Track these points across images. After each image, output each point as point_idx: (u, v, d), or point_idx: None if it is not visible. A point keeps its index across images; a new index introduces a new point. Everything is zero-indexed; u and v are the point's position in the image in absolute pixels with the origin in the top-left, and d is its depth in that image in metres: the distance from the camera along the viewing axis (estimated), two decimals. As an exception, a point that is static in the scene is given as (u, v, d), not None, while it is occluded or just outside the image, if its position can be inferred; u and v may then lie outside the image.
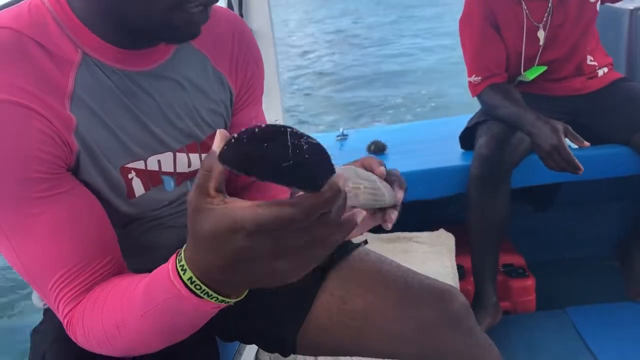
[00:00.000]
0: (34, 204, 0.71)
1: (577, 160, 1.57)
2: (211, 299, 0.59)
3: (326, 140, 2.44)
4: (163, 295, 0.63)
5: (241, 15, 1.78)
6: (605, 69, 2.00)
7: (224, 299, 0.60)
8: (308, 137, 0.52)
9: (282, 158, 0.50)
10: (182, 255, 0.59)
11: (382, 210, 0.76)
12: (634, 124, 1.82)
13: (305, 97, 7.64)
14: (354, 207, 0.71)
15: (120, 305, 0.71)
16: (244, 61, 0.99)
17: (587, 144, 1.59)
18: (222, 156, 0.52)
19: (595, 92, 1.97)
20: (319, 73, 8.81)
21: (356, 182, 0.72)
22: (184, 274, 0.59)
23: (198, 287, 0.58)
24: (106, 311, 0.72)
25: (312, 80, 8.43)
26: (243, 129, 0.51)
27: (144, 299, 0.67)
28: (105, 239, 0.79)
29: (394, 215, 0.74)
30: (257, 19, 1.77)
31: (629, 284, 2.01)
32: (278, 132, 0.51)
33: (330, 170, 0.52)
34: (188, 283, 0.59)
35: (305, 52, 10.42)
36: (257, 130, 0.51)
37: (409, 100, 6.79)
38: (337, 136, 2.45)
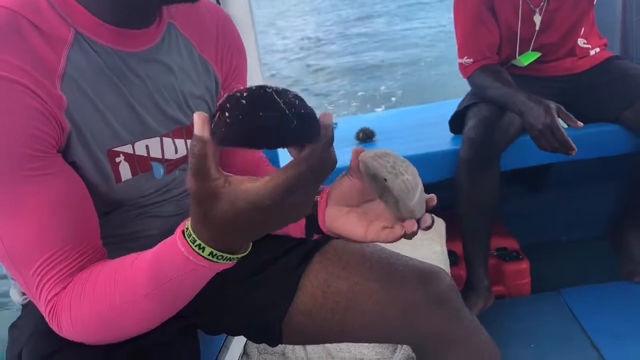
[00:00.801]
0: (24, 183, 0.70)
1: (570, 141, 1.55)
2: (227, 260, 0.66)
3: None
4: (175, 272, 0.68)
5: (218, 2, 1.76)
6: (598, 49, 1.97)
7: (237, 256, 0.67)
8: (287, 90, 0.54)
9: (285, 122, 0.53)
10: (194, 235, 0.64)
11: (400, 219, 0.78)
12: (624, 101, 1.80)
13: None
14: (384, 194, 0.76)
15: (115, 289, 0.72)
16: (229, 51, 1.01)
17: (580, 124, 1.57)
18: (221, 137, 0.53)
19: (585, 71, 1.95)
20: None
21: (400, 169, 0.77)
22: (202, 251, 0.64)
23: (220, 257, 0.65)
24: (98, 296, 0.72)
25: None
26: (222, 100, 0.53)
27: (148, 280, 0.70)
28: (90, 223, 0.78)
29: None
30: (235, 6, 1.75)
31: (622, 264, 2.00)
32: (266, 97, 0.53)
33: (313, 111, 0.56)
34: (209, 257, 0.65)
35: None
36: (243, 100, 0.52)
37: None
38: None
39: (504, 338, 1.78)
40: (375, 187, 0.78)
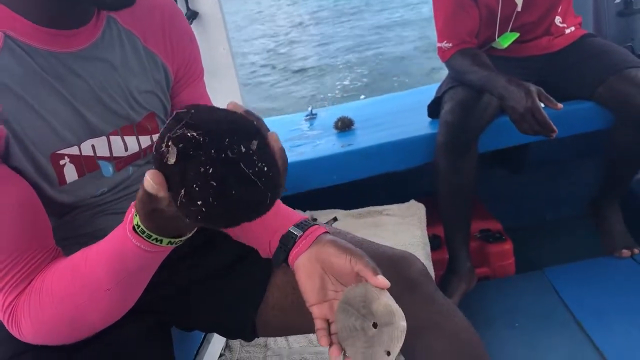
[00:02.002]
0: None
1: (552, 123, 1.55)
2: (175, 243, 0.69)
3: (295, 120, 2.42)
4: (135, 264, 0.71)
5: None
6: (572, 28, 1.98)
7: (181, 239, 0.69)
8: (249, 148, 0.55)
9: (260, 195, 0.55)
10: (147, 231, 0.66)
11: None
12: (598, 78, 1.80)
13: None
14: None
15: (74, 288, 0.73)
16: (178, 39, 0.98)
17: (560, 106, 1.57)
18: (195, 217, 0.55)
19: (560, 50, 1.95)
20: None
21: (355, 331, 0.79)
22: (160, 242, 0.67)
23: (173, 242, 0.68)
24: (59, 296, 0.73)
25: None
26: (180, 161, 0.54)
27: (108, 275, 0.72)
28: (39, 225, 0.78)
29: None
30: (206, 4, 1.74)
31: (604, 240, 2.02)
32: (235, 171, 0.54)
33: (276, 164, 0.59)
34: (168, 244, 0.68)
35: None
36: (211, 180, 0.53)
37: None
38: (306, 116, 2.43)
39: (489, 318, 1.79)
40: (353, 321, 0.80)
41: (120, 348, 0.83)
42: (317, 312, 0.84)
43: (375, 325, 0.77)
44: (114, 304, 0.76)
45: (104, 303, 0.74)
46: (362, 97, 6.11)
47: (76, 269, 0.74)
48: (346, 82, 7.34)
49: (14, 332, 0.76)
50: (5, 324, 0.76)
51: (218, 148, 0.53)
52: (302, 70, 8.30)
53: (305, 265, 0.86)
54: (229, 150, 0.53)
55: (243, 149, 0.54)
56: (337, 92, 7.04)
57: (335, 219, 0.99)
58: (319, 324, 0.84)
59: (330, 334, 0.83)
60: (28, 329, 0.75)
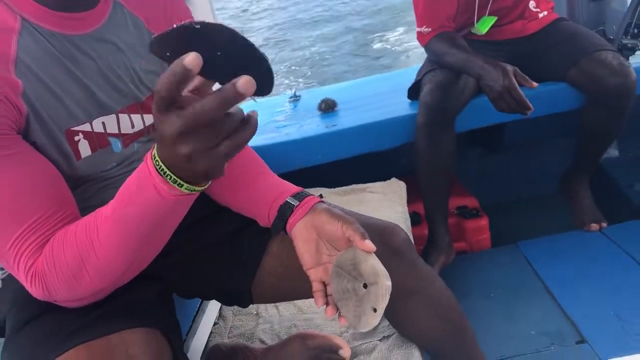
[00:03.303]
0: None
1: (527, 101, 1.63)
2: (167, 177, 0.67)
3: (278, 102, 2.48)
4: (134, 182, 0.72)
5: None
6: (546, 12, 2.05)
7: (178, 180, 0.67)
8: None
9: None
10: (157, 157, 0.67)
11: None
12: (570, 60, 1.88)
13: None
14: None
15: (93, 224, 0.76)
16: (178, 22, 1.02)
17: (535, 84, 1.64)
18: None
19: (534, 34, 2.02)
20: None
21: (348, 293, 0.85)
22: (163, 173, 0.67)
23: (174, 180, 0.67)
24: (79, 234, 0.76)
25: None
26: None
27: (115, 201, 0.75)
28: (62, 194, 0.83)
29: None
30: None
31: (574, 214, 2.11)
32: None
33: None
34: (153, 162, 0.67)
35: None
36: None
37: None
38: (290, 98, 2.49)
39: (467, 289, 1.88)
40: (343, 283, 0.87)
41: (132, 309, 0.88)
42: (314, 275, 0.92)
43: (365, 286, 0.84)
44: (117, 239, 0.76)
45: (107, 236, 0.75)
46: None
47: (89, 218, 0.77)
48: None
49: (37, 291, 0.79)
50: (27, 284, 0.79)
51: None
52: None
53: (301, 232, 0.93)
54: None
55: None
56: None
57: (321, 196, 1.05)
58: (316, 286, 0.91)
59: (326, 295, 0.91)
60: (52, 277, 0.77)
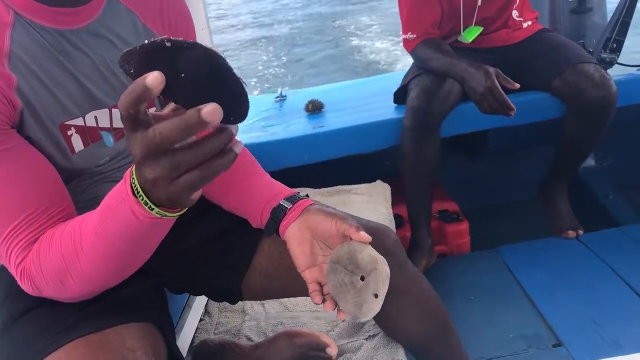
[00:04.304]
0: None
1: (510, 101, 1.66)
2: (140, 198, 0.63)
3: (265, 102, 2.48)
4: (113, 199, 0.68)
5: None
6: (530, 22, 2.09)
7: (150, 204, 0.63)
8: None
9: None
10: (134, 174, 0.63)
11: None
12: (554, 71, 1.92)
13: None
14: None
15: (78, 232, 0.75)
16: (175, 17, 1.03)
17: (517, 85, 1.68)
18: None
19: (519, 43, 2.06)
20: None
21: (345, 286, 0.86)
22: (132, 183, 0.63)
23: (134, 183, 0.63)
24: (64, 242, 0.75)
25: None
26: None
27: (98, 215, 0.71)
28: (57, 188, 0.83)
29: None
30: None
31: (552, 221, 2.16)
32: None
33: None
34: (131, 180, 0.63)
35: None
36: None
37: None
38: (276, 97, 2.50)
39: (447, 292, 1.91)
40: (339, 277, 0.88)
41: (125, 304, 0.88)
42: (309, 276, 0.92)
43: (362, 279, 0.86)
44: (100, 252, 0.74)
45: (91, 248, 0.74)
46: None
47: (82, 219, 0.76)
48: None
49: (27, 288, 0.80)
50: (18, 279, 0.80)
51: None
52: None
53: (295, 234, 0.94)
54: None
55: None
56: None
57: (307, 197, 1.07)
58: (312, 287, 0.92)
59: (323, 294, 0.92)
60: (38, 280, 0.78)
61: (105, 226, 0.71)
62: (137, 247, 0.75)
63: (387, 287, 0.85)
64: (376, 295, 0.85)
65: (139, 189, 0.62)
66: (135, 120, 0.55)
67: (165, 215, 0.65)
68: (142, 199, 0.63)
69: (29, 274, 0.78)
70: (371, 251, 0.86)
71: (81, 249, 0.75)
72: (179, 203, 0.62)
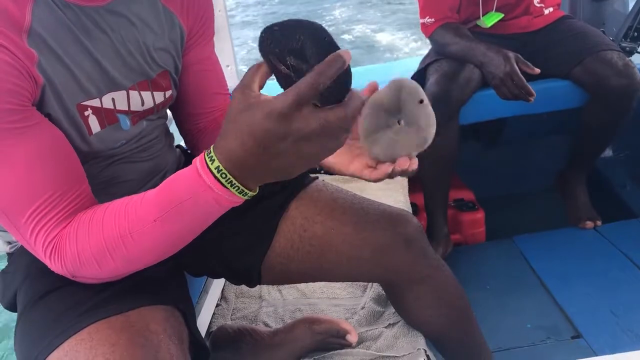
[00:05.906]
0: (6, 136, 0.73)
1: (529, 86, 1.63)
2: (233, 188, 0.67)
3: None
4: (185, 192, 0.70)
5: None
6: (551, 9, 2.06)
7: (244, 190, 0.68)
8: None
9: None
10: (212, 151, 0.66)
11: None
12: (575, 59, 1.89)
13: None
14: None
15: (124, 218, 0.74)
16: (196, 1, 1.01)
17: (537, 70, 1.65)
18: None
19: (539, 30, 2.03)
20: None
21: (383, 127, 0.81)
22: (212, 163, 0.66)
23: (224, 175, 0.66)
24: (107, 225, 0.74)
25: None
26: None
27: (158, 204, 0.72)
28: (77, 168, 0.81)
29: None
30: None
31: (570, 211, 2.14)
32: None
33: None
34: (215, 172, 0.66)
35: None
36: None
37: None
38: None
39: (462, 281, 1.85)
40: (387, 115, 0.81)
41: (147, 286, 0.87)
42: (357, 169, 0.91)
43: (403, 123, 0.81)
44: (155, 241, 0.75)
45: (146, 235, 0.74)
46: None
47: (131, 203, 0.75)
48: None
49: (56, 266, 0.78)
50: (45, 259, 0.78)
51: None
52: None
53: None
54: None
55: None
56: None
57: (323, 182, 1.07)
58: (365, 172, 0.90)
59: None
60: (72, 259, 0.76)
61: (167, 217, 0.72)
62: (199, 231, 0.77)
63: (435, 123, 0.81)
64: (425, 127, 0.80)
65: (232, 179, 0.66)
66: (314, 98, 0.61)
67: (252, 196, 0.70)
68: (236, 189, 0.67)
69: (61, 254, 0.77)
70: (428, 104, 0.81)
71: (129, 235, 0.74)
72: (292, 173, 0.68)
